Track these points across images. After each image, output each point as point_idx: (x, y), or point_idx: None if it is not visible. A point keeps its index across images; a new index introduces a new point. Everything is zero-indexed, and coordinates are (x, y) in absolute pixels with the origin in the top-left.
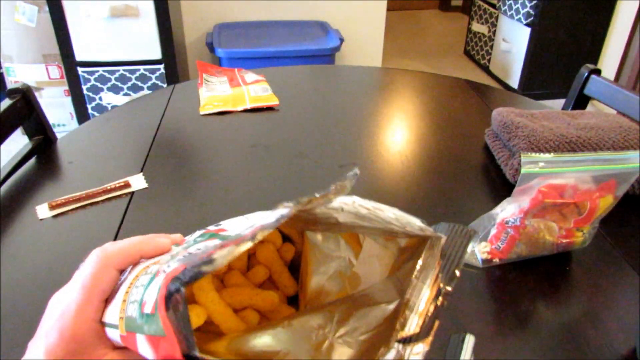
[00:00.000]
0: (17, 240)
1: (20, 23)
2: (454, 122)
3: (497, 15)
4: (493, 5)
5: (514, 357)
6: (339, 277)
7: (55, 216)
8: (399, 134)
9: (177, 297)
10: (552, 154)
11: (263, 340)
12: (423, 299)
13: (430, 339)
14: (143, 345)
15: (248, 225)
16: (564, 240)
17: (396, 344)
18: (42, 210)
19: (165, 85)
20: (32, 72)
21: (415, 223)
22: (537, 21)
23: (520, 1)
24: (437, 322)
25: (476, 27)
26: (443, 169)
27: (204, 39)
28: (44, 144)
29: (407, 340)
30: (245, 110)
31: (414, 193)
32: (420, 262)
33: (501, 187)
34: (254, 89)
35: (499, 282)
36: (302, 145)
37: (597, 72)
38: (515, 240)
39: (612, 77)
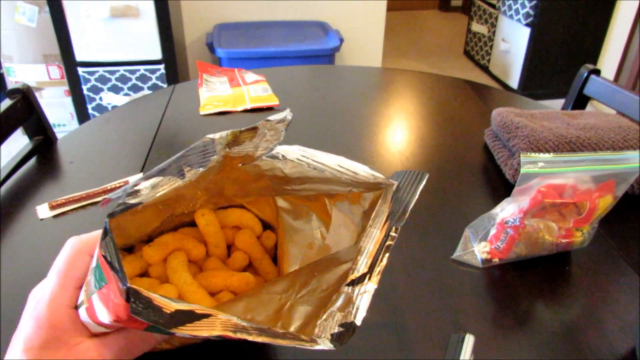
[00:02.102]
0: (17, 240)
1: (20, 23)
2: (453, 122)
3: (497, 16)
4: (493, 6)
5: (514, 357)
6: (312, 251)
7: (55, 216)
8: (398, 134)
9: (106, 232)
10: (551, 154)
11: (230, 309)
12: (372, 241)
13: (378, 277)
14: (99, 308)
15: (179, 164)
16: (564, 240)
17: (345, 288)
18: (42, 210)
19: (165, 86)
20: (33, 72)
21: (364, 169)
22: (536, 21)
23: (520, 1)
24: (385, 260)
25: (476, 27)
26: (443, 169)
27: (204, 39)
28: (44, 144)
29: (355, 282)
30: (246, 110)
31: None
32: (375, 211)
33: (501, 187)
34: (254, 89)
35: (499, 282)
36: (302, 145)
37: (597, 72)
38: (514, 240)
39: (611, 77)
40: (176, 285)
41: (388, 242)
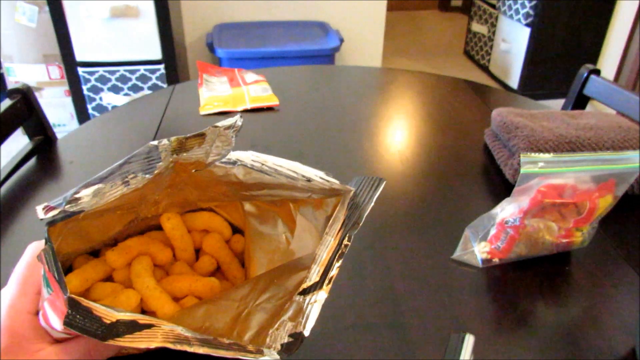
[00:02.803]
0: (17, 240)
1: (20, 23)
2: (453, 122)
3: (497, 16)
4: (493, 6)
5: (514, 357)
6: (277, 256)
7: None
8: (398, 134)
9: (45, 240)
10: (551, 154)
11: (190, 315)
12: (326, 250)
13: (329, 286)
14: (51, 315)
15: (123, 171)
16: (564, 240)
17: (297, 297)
18: (42, 211)
19: (165, 86)
20: (33, 72)
21: (317, 175)
22: (536, 21)
23: (520, 1)
24: (336, 270)
25: (476, 27)
26: (443, 169)
27: (204, 39)
28: (44, 144)
29: (307, 291)
30: (245, 111)
31: (413, 193)
32: (332, 218)
33: (501, 187)
34: (254, 89)
35: (499, 282)
36: (302, 145)
37: (597, 72)
38: (514, 240)
39: (611, 77)
40: (139, 290)
41: (340, 251)
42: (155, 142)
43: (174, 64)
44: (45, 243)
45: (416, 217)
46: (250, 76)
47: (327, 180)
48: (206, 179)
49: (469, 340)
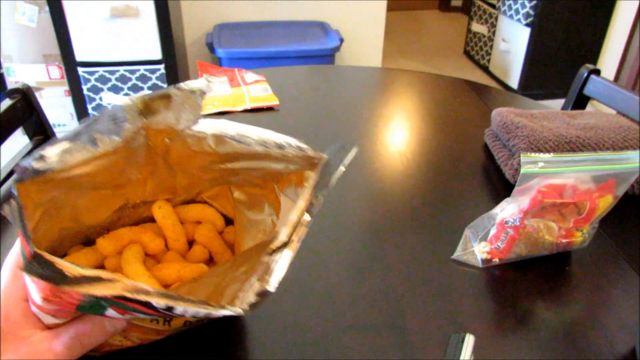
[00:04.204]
0: (17, 239)
1: (20, 23)
2: (453, 122)
3: (497, 16)
4: (493, 6)
5: (514, 357)
6: (263, 239)
7: None
8: (398, 134)
9: (11, 195)
10: (551, 154)
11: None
12: (297, 212)
13: (295, 244)
14: (31, 288)
15: (90, 131)
16: (564, 240)
17: (265, 257)
18: None
19: (165, 86)
20: (33, 72)
21: (289, 141)
22: (536, 21)
23: (520, 1)
24: (304, 229)
25: (476, 27)
26: (443, 169)
27: (204, 39)
28: (44, 144)
29: (274, 251)
30: (246, 111)
31: (413, 193)
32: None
33: (501, 187)
34: (254, 89)
35: (499, 282)
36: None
37: (597, 72)
38: (514, 240)
39: (612, 77)
40: (127, 275)
41: (308, 209)
42: (119, 102)
43: (174, 64)
44: (12, 199)
45: (416, 217)
46: (250, 76)
47: (300, 147)
48: (182, 152)
49: (469, 341)
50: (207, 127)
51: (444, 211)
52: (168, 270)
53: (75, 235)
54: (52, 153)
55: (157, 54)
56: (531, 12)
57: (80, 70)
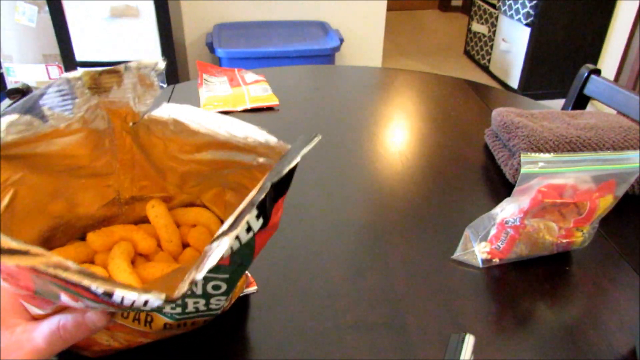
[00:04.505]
0: None
1: (20, 23)
2: (454, 122)
3: (497, 15)
4: (493, 5)
5: (514, 357)
6: None
7: None
8: (398, 134)
9: None
10: (551, 154)
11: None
12: (245, 201)
13: (234, 232)
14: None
15: (37, 104)
16: (564, 240)
17: (207, 247)
18: None
19: (165, 86)
20: (32, 72)
21: (257, 133)
22: (536, 21)
23: (520, 1)
24: (248, 216)
25: (476, 27)
26: (443, 169)
27: (204, 39)
28: None
29: (214, 241)
30: (245, 110)
31: (413, 193)
32: None
33: (501, 187)
34: (254, 89)
35: (499, 282)
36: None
37: (597, 72)
38: (515, 240)
39: (612, 77)
40: (110, 270)
41: (253, 197)
42: (65, 75)
43: (174, 64)
44: None
45: (416, 217)
46: (250, 76)
47: (264, 137)
48: (147, 139)
49: (469, 341)
50: (168, 111)
51: (444, 211)
52: (152, 270)
53: (70, 228)
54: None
55: (157, 54)
56: (531, 12)
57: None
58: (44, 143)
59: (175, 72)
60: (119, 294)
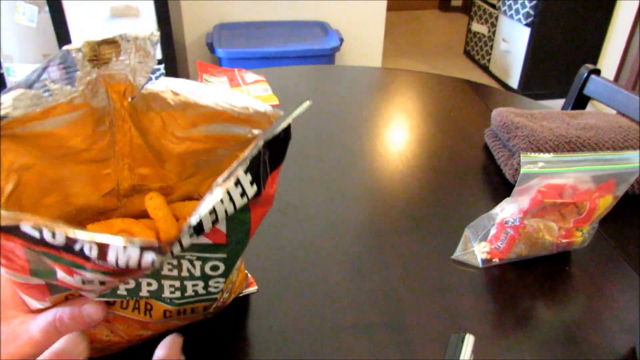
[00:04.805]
0: None
1: (20, 23)
2: (453, 122)
3: (497, 16)
4: (493, 6)
5: (514, 357)
6: None
7: None
8: (398, 134)
9: None
10: (551, 154)
11: None
12: (237, 161)
13: (226, 183)
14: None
15: (42, 79)
16: (564, 240)
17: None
18: None
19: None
20: None
21: (252, 102)
22: (536, 21)
23: (520, 1)
24: (240, 168)
25: (476, 27)
26: (443, 169)
27: (204, 39)
28: None
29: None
30: None
31: (413, 193)
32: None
33: (501, 187)
34: (254, 89)
35: (499, 282)
36: (302, 145)
37: (597, 72)
38: (514, 240)
39: (612, 77)
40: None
41: (246, 155)
42: (66, 47)
43: (174, 64)
44: None
45: (416, 217)
46: (250, 76)
47: (262, 107)
48: (145, 114)
49: (469, 340)
50: (166, 84)
51: (444, 211)
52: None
53: (68, 221)
54: (6, 99)
55: (157, 54)
56: (531, 12)
57: None
58: (48, 121)
59: (175, 72)
60: (112, 247)
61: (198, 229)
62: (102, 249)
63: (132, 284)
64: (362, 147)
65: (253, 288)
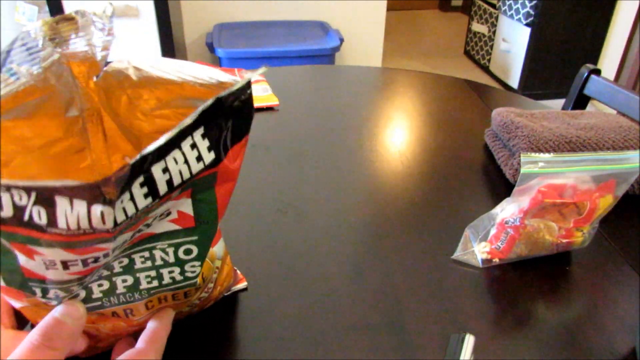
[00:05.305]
0: None
1: (20, 23)
2: (454, 122)
3: (497, 15)
4: (493, 5)
5: (514, 357)
6: None
7: None
8: (398, 134)
9: None
10: (551, 154)
11: None
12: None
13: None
14: None
15: (8, 61)
16: (564, 240)
17: None
18: None
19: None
20: None
21: (217, 73)
22: (537, 21)
23: (520, 1)
24: (186, 121)
25: (476, 27)
26: (443, 169)
27: (204, 39)
28: None
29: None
30: None
31: (413, 193)
32: None
33: (501, 187)
34: (254, 89)
35: (499, 282)
36: (302, 145)
37: (597, 72)
38: (515, 240)
39: (612, 77)
40: None
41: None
42: (27, 27)
43: None
44: None
45: (416, 217)
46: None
47: (225, 77)
48: (114, 96)
49: (469, 341)
50: (126, 59)
51: (444, 211)
52: None
53: None
54: None
55: (157, 54)
56: (531, 12)
57: None
58: (20, 107)
59: None
60: (60, 208)
61: (147, 180)
62: (50, 213)
63: (106, 284)
64: (362, 147)
65: (242, 284)
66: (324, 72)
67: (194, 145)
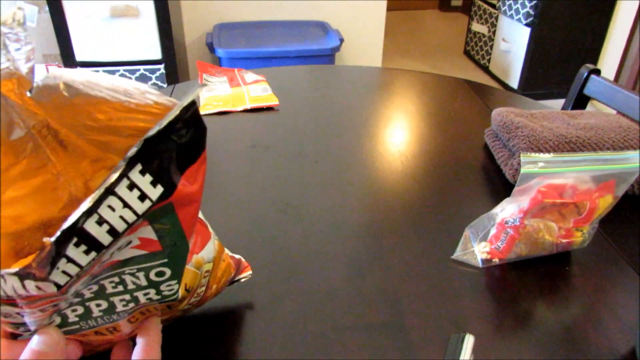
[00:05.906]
0: None
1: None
2: (453, 122)
3: (497, 15)
4: (493, 5)
5: (514, 357)
6: None
7: None
8: (398, 134)
9: None
10: (551, 154)
11: None
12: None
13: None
14: None
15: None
16: (564, 240)
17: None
18: None
19: (165, 86)
20: None
21: (151, 93)
22: (536, 21)
23: (520, 1)
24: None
25: (476, 27)
26: (443, 169)
27: (204, 39)
28: None
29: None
30: (245, 110)
31: (413, 193)
32: None
33: (501, 187)
34: (254, 89)
35: (499, 282)
36: (302, 145)
37: (597, 72)
38: (514, 240)
39: (612, 77)
40: None
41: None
42: None
43: (174, 64)
44: None
45: (416, 217)
46: (250, 76)
47: (158, 98)
48: (57, 110)
49: (469, 341)
50: (54, 75)
51: (444, 211)
52: None
53: (34, 233)
54: None
55: (157, 54)
56: (531, 12)
57: None
58: None
59: (175, 72)
60: None
61: (83, 239)
62: None
63: (80, 309)
64: (362, 147)
65: (247, 273)
66: (324, 72)
67: (132, 186)
